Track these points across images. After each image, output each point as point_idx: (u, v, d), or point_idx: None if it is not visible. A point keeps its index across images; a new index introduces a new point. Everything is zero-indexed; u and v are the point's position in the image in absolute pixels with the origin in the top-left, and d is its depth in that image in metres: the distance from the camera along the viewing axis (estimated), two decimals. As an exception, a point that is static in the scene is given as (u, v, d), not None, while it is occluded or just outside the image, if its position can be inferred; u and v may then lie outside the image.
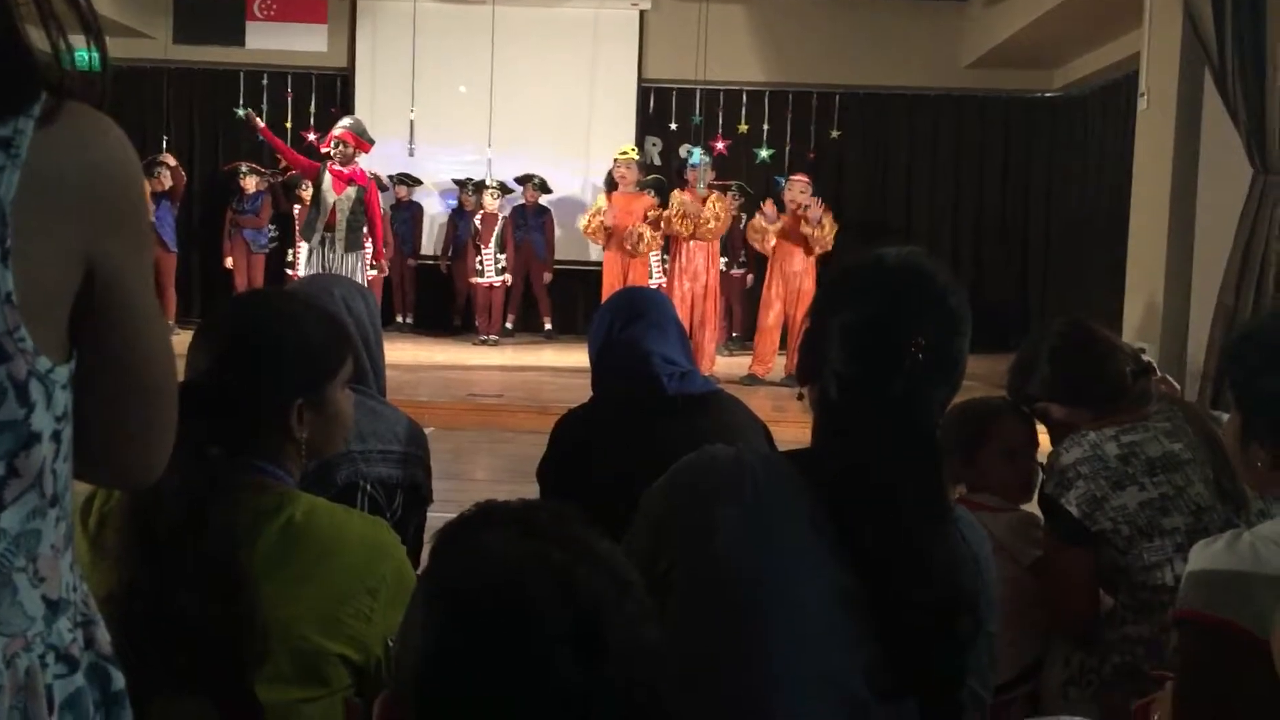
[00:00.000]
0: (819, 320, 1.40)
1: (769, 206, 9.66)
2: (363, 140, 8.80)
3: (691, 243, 9.01)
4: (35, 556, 0.88)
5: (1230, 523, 1.97)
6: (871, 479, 1.30)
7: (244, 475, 1.44)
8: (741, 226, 10.36)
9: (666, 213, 9.00)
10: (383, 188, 11.05)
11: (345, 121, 8.97)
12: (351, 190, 8.68)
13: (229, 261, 11.13)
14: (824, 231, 8.83)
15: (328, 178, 8.70)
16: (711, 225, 8.94)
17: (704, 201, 9.02)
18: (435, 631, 0.90)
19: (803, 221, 8.86)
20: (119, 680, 0.94)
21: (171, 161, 10.82)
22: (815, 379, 1.39)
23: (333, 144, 8.70)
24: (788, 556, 1.30)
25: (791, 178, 9.44)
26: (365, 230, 8.80)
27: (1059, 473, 2.10)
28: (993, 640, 1.40)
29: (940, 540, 1.31)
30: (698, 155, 9.57)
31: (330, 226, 8.63)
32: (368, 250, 9.02)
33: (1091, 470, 2.06)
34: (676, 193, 9.16)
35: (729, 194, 9.52)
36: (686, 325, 8.68)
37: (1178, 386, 2.53)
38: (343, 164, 8.66)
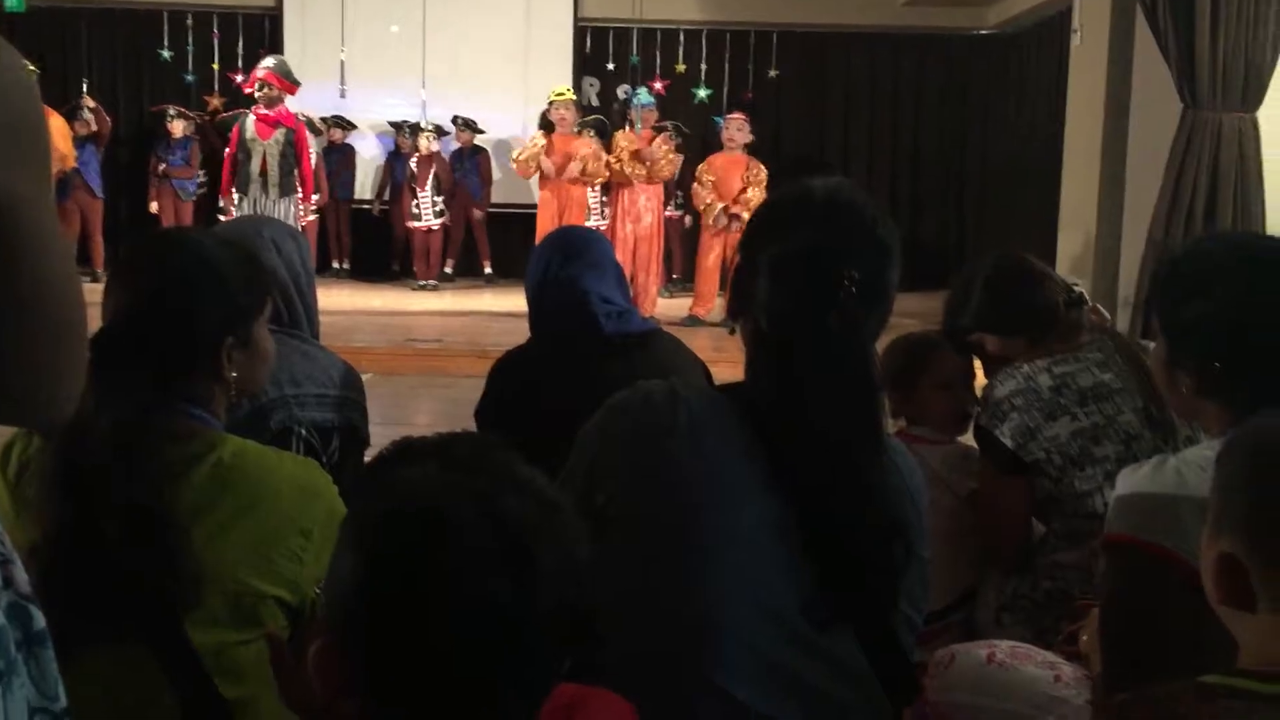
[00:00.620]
0: (749, 253, 1.40)
1: None
2: (287, 81, 8.58)
3: (635, 185, 8.97)
4: None
5: (1158, 450, 2.01)
6: (809, 411, 1.31)
7: (172, 419, 1.42)
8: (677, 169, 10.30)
9: (612, 155, 8.93)
10: (315, 131, 10.82)
11: (268, 62, 8.72)
12: (279, 133, 8.48)
13: (154, 206, 10.83)
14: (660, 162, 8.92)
15: (252, 121, 8.50)
16: (664, 168, 8.92)
17: (649, 143, 8.97)
18: (362, 569, 0.90)
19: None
20: (40, 620, 0.92)
21: (92, 104, 10.48)
22: (746, 312, 1.38)
23: (256, 86, 8.48)
24: (723, 489, 1.31)
25: (729, 116, 9.41)
26: (296, 174, 8.62)
27: (994, 405, 2.13)
28: (925, 565, 1.42)
29: (875, 470, 1.32)
30: (644, 95, 9.50)
31: (262, 172, 8.45)
32: (300, 195, 8.84)
33: (1025, 402, 2.09)
34: (620, 134, 9.09)
35: (666, 133, 9.45)
36: (628, 269, 8.73)
37: (1109, 317, 2.57)
38: (268, 107, 8.45)
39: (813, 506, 1.30)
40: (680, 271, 11.33)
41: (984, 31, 11.80)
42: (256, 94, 8.49)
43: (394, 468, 0.94)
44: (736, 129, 9.01)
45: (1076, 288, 2.31)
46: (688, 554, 1.31)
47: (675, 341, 2.41)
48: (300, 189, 8.77)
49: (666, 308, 9.48)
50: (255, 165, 8.48)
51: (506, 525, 0.88)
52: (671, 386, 1.39)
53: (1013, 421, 2.09)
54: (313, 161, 10.12)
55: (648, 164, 8.90)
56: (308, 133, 9.51)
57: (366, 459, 2.15)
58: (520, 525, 0.89)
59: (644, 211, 9.04)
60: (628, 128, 9.21)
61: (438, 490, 0.90)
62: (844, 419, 1.31)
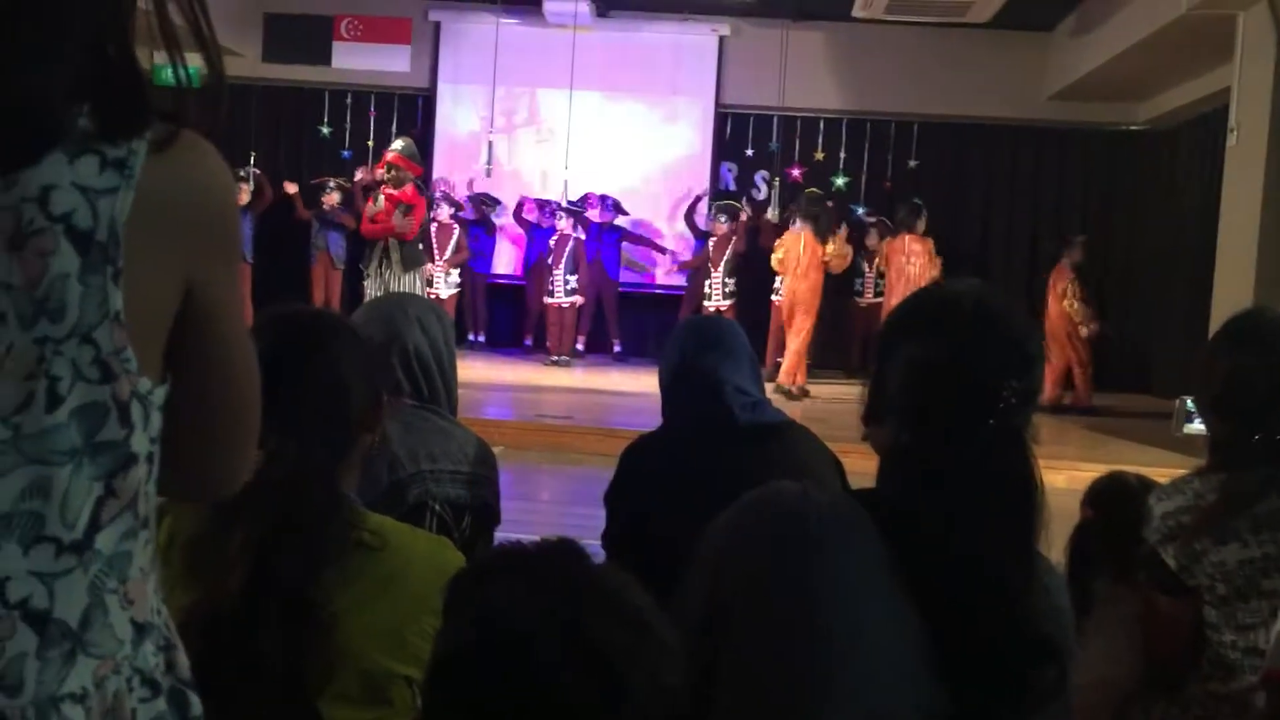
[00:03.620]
0: (889, 358, 1.37)
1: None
2: (413, 163, 8.97)
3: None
4: (126, 579, 0.89)
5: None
6: (959, 528, 1.26)
7: (326, 496, 1.45)
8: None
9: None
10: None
11: (397, 145, 9.14)
12: (400, 209, 8.84)
13: (315, 274, 11.28)
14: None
15: (380, 200, 8.88)
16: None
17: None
18: (452, 693, 0.90)
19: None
20: (197, 706, 0.94)
21: (256, 172, 11.05)
22: (883, 419, 1.35)
23: (385, 168, 8.86)
24: (851, 598, 1.27)
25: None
26: (422, 248, 8.98)
27: (1159, 520, 2.02)
28: (1072, 691, 1.35)
29: (1028, 590, 1.27)
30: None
31: (386, 249, 8.80)
32: (428, 268, 9.16)
33: (1192, 521, 1.97)
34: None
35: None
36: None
37: None
38: (395, 187, 8.81)
39: (956, 626, 1.25)
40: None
41: (1134, 127, 11.57)
42: (385, 175, 8.86)
43: (483, 587, 0.94)
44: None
45: None
46: (808, 661, 1.27)
47: (809, 434, 2.37)
48: (429, 261, 9.12)
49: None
50: (380, 241, 8.84)
51: (594, 654, 0.87)
52: (804, 489, 1.36)
53: (1178, 542, 1.98)
54: (454, 236, 10.48)
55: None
56: (445, 205, 9.92)
57: (497, 533, 2.17)
58: (609, 652, 0.88)
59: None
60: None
61: (526, 617, 0.89)
62: (998, 537, 1.26)
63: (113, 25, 0.85)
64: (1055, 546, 1.35)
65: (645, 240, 11.93)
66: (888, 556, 1.28)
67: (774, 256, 9.76)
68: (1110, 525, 2.17)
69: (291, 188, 11.19)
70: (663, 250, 12.02)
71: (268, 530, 1.33)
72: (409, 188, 8.92)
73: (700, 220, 11.49)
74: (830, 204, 10.85)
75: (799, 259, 9.50)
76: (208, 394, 0.94)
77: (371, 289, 8.87)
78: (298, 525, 1.35)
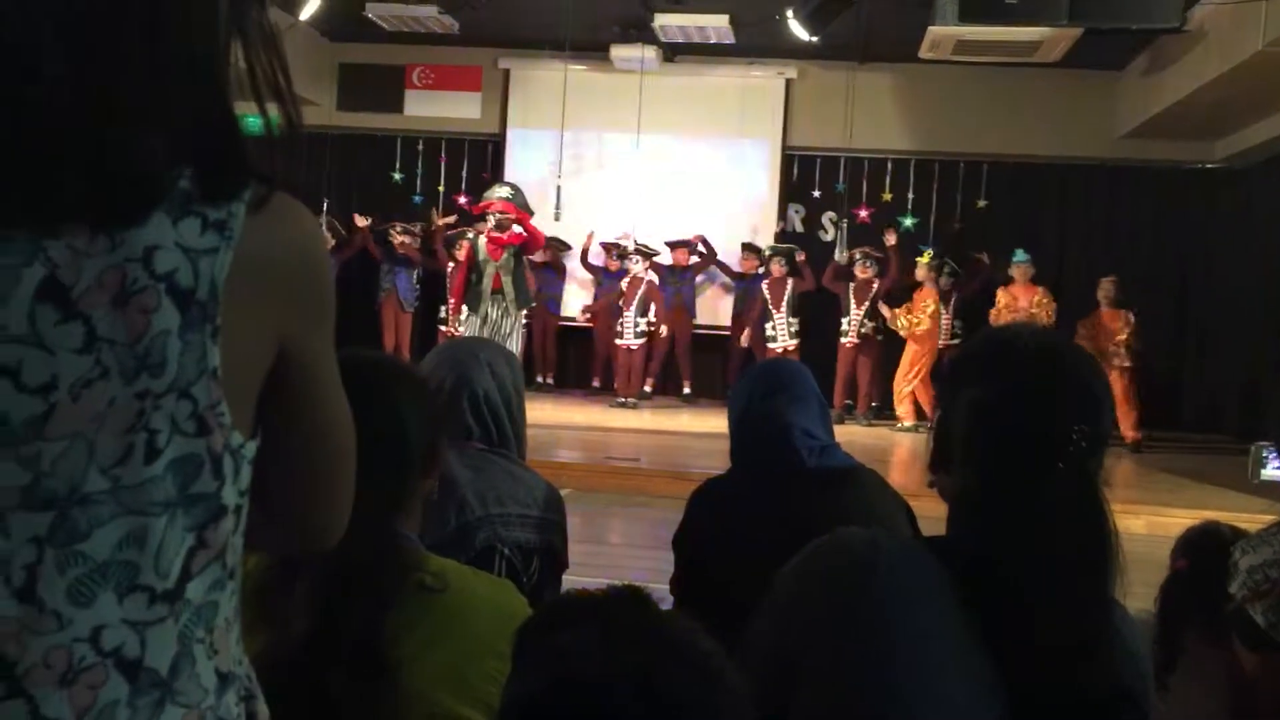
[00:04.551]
0: (952, 405, 1.35)
1: None
2: (524, 211, 9.10)
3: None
4: (212, 629, 0.91)
5: None
6: (1034, 576, 1.24)
7: (394, 542, 1.47)
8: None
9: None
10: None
11: (504, 193, 9.23)
12: (508, 252, 8.97)
13: (384, 317, 11.46)
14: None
15: (484, 243, 9.00)
16: None
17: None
18: None
19: None
20: None
21: (329, 219, 11.31)
22: (949, 465, 1.34)
23: (496, 215, 8.98)
24: (921, 646, 1.26)
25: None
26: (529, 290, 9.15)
27: (1245, 574, 1.95)
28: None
29: (1104, 638, 1.24)
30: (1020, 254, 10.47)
31: (495, 290, 8.94)
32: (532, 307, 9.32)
33: None
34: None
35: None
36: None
37: None
38: (500, 230, 8.94)
39: (1030, 676, 1.23)
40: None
41: (1209, 165, 11.37)
42: (493, 221, 8.98)
43: (555, 634, 0.94)
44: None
45: None
46: (877, 712, 1.26)
47: (878, 479, 2.35)
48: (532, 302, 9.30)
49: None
50: (488, 284, 8.95)
51: (665, 702, 0.87)
52: (873, 536, 1.35)
53: (1268, 598, 1.91)
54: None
55: None
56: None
57: (564, 577, 2.18)
58: (679, 702, 0.88)
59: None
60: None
61: (597, 666, 0.90)
62: (1072, 585, 1.24)
63: (212, 84, 0.88)
64: (1134, 594, 1.32)
65: (726, 268, 11.94)
66: (959, 605, 1.26)
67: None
68: (1200, 578, 2.12)
69: (362, 222, 11.42)
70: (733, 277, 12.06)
71: (330, 577, 1.35)
72: (513, 231, 9.03)
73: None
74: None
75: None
76: (302, 449, 0.96)
77: (473, 327, 9.00)
78: (357, 571, 1.36)
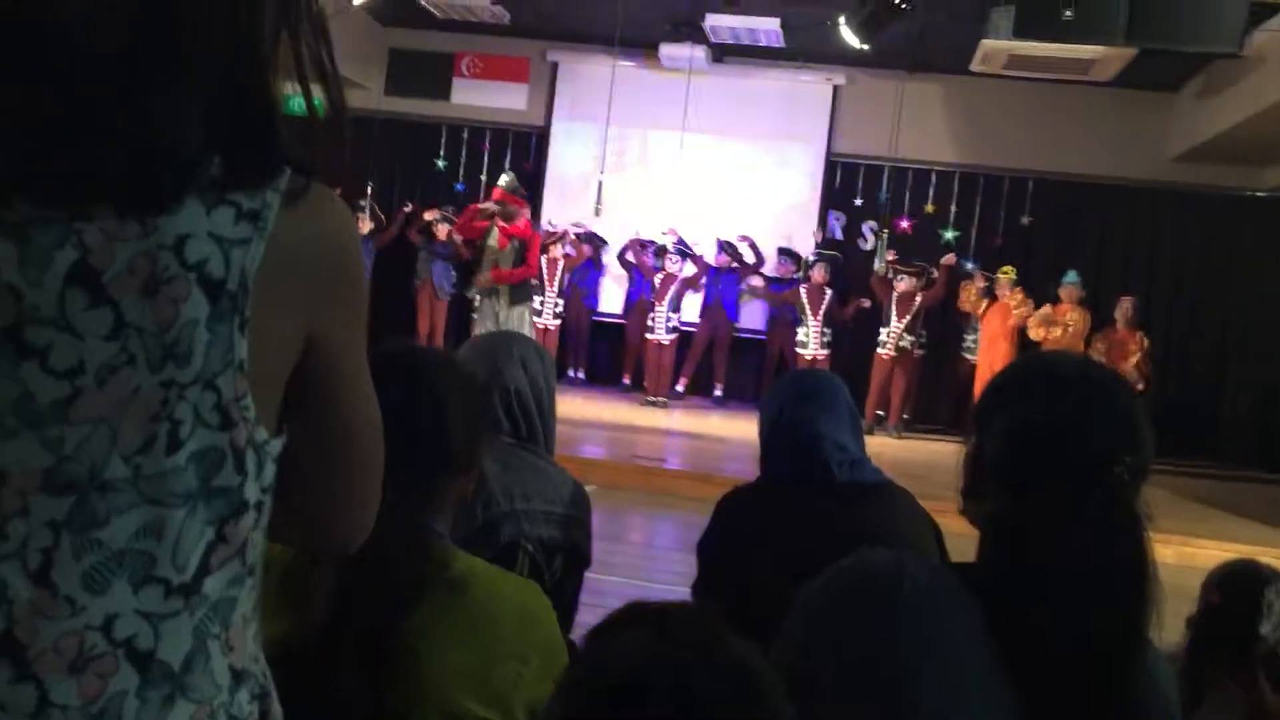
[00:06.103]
0: (987, 431, 1.33)
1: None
2: (516, 197, 9.15)
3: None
4: (228, 625, 0.90)
5: None
6: (1066, 610, 1.21)
7: (423, 537, 1.46)
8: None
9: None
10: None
11: (502, 181, 9.29)
12: (514, 244, 8.98)
13: (419, 304, 11.50)
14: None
15: (495, 233, 9.04)
16: None
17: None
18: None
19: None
20: None
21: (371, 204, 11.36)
22: (982, 492, 1.31)
23: (497, 203, 9.04)
24: (944, 675, 1.24)
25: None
26: (530, 282, 9.14)
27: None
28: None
29: (1135, 679, 1.22)
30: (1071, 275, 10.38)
31: (495, 288, 8.98)
32: (535, 303, 9.29)
33: None
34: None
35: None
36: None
37: None
38: (506, 220, 8.96)
39: (1055, 710, 1.21)
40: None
41: (1260, 193, 11.21)
42: (494, 209, 9.04)
43: (618, 630, 0.95)
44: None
45: None
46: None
47: (907, 496, 2.33)
48: (538, 298, 9.28)
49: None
50: (487, 275, 9.00)
51: (694, 701, 0.87)
52: (899, 558, 1.32)
53: None
54: (560, 270, 10.65)
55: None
56: (561, 246, 10.04)
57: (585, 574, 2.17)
58: (709, 702, 0.87)
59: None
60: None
61: (643, 658, 0.90)
62: (1107, 621, 1.22)
63: (248, 62, 0.86)
64: (1162, 625, 1.29)
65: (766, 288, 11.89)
66: (985, 634, 1.24)
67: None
68: (1232, 615, 2.08)
69: (407, 208, 11.48)
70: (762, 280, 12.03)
71: (351, 569, 1.34)
72: (522, 222, 9.07)
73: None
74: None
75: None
76: (326, 449, 0.95)
77: (482, 323, 9.04)
78: (378, 563, 1.35)
